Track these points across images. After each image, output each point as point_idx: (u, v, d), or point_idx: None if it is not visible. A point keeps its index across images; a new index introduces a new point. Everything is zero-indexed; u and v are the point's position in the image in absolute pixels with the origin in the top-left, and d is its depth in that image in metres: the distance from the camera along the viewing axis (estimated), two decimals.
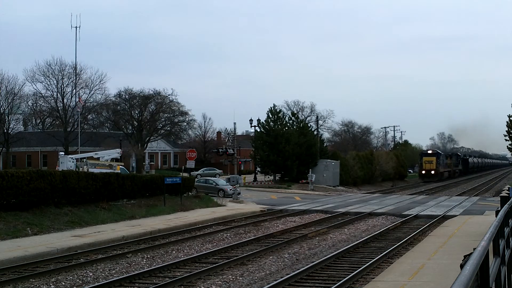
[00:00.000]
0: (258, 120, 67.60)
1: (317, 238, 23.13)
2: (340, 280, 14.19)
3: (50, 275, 15.25)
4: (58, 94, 68.36)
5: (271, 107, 66.67)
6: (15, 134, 67.44)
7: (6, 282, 14.37)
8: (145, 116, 76.62)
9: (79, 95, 65.19)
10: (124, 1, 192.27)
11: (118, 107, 76.36)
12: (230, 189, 42.84)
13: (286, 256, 18.83)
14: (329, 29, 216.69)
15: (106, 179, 29.18)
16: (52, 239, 20.39)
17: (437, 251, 17.86)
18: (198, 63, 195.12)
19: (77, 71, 68.30)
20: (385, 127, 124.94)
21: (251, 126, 70.93)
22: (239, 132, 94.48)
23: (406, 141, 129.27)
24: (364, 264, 16.30)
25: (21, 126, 76.33)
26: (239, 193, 42.36)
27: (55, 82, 68.12)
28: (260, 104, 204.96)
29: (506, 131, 61.52)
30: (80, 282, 14.77)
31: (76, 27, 67.39)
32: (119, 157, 51.20)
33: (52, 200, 25.02)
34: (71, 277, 15.14)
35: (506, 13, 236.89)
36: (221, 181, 47.30)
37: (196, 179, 45.18)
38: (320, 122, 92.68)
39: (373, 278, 14.58)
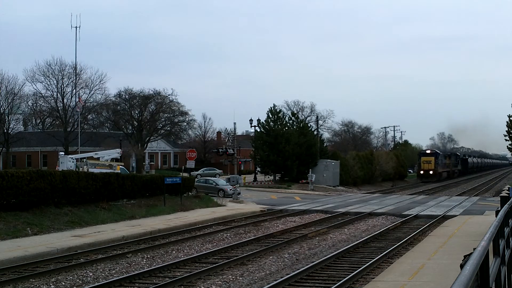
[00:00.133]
0: (258, 120, 67.67)
1: (317, 238, 23.13)
2: (340, 280, 14.19)
3: (50, 275, 15.25)
4: (58, 94, 68.45)
5: (271, 107, 66.74)
6: (15, 134, 67.45)
7: (6, 282, 14.37)
8: (145, 116, 76.64)
9: (79, 95, 65.24)
10: (124, 1, 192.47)
11: (118, 107, 76.37)
12: (230, 189, 42.85)
13: (286, 256, 18.83)
14: (329, 29, 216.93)
15: (106, 179, 29.18)
16: (52, 239, 20.39)
17: (437, 251, 17.86)
18: (198, 63, 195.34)
19: (77, 71, 68.39)
20: (385, 127, 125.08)
21: (251, 126, 71.00)
22: (239, 132, 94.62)
23: (406, 141, 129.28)
24: (364, 264, 16.30)
25: (21, 126, 76.35)
26: (239, 193, 42.37)
27: (55, 82, 68.25)
28: (260, 104, 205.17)
29: (506, 131, 61.53)
30: (80, 282, 14.77)
31: (76, 27, 67.44)
32: (119, 157, 51.20)
33: (52, 200, 25.02)
34: (71, 277, 15.15)
35: (506, 13, 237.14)
36: (221, 181, 47.31)
37: (196, 179, 45.19)
38: (320, 122, 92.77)
39: (373, 278, 14.58)
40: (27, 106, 73.57)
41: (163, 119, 78.90)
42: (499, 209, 13.15)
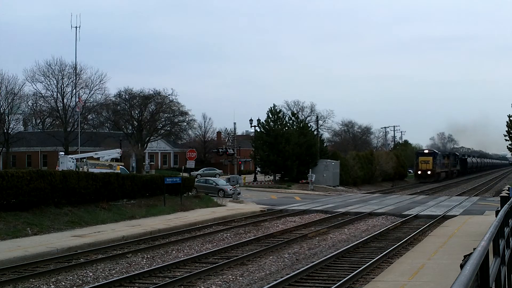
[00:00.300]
0: (258, 120, 67.68)
1: (317, 238, 23.13)
2: (340, 280, 14.19)
3: (50, 275, 15.25)
4: (58, 94, 68.44)
5: (271, 107, 66.74)
6: (15, 134, 67.45)
7: (6, 282, 14.37)
8: (145, 116, 76.65)
9: (79, 95, 65.23)
10: (124, 1, 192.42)
11: (118, 107, 76.39)
12: (230, 189, 42.85)
13: (286, 256, 18.83)
14: (329, 29, 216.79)
15: (106, 179, 29.18)
16: (52, 239, 20.40)
17: (437, 251, 17.86)
18: (198, 63, 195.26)
19: (77, 71, 68.37)
20: (385, 127, 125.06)
21: (251, 126, 71.01)
22: (239, 132, 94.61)
23: (406, 141, 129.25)
24: (364, 264, 16.30)
25: (21, 126, 76.35)
26: (239, 193, 42.38)
27: (55, 82, 68.24)
28: (260, 104, 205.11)
29: (506, 131, 61.52)
30: (80, 282, 14.77)
31: (76, 27, 67.38)
32: (119, 157, 51.19)
33: (52, 200, 25.02)
34: (71, 277, 15.15)
35: (506, 13, 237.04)
36: (221, 181, 47.32)
37: (196, 179, 45.19)
38: (320, 122, 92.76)
39: (373, 278, 14.58)
40: (27, 106, 73.62)
41: (163, 119, 78.92)
42: (499, 209, 13.15)
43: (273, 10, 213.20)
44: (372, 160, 76.40)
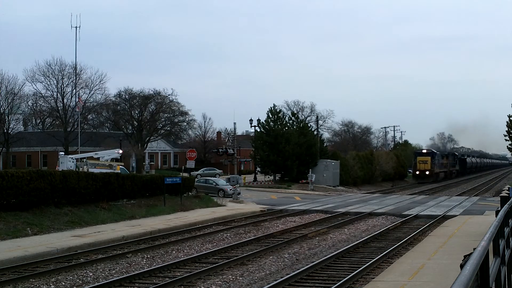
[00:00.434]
0: (258, 120, 67.68)
1: (317, 238, 23.13)
2: (340, 280, 14.19)
3: (50, 275, 15.26)
4: (58, 94, 68.42)
5: (271, 107, 66.74)
6: (15, 134, 67.45)
7: (6, 282, 14.37)
8: (145, 116, 76.64)
9: (79, 95, 65.22)
10: (124, 1, 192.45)
11: (118, 107, 76.37)
12: (230, 189, 42.86)
13: (286, 256, 18.83)
14: (329, 29, 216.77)
15: (106, 179, 29.18)
16: (52, 239, 20.40)
17: (437, 251, 17.86)
18: (198, 63, 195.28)
19: (77, 71, 68.35)
20: (385, 127, 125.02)
21: (251, 126, 71.01)
22: (239, 132, 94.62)
23: (406, 141, 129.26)
24: (364, 264, 16.30)
25: (21, 126, 76.34)
26: (239, 193, 42.38)
27: (55, 82, 68.21)
28: (260, 104, 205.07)
29: (506, 131, 61.52)
30: (80, 282, 14.77)
31: (76, 27, 67.36)
32: (119, 157, 51.17)
33: (52, 200, 25.02)
34: (71, 277, 15.15)
35: (506, 13, 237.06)
36: (221, 181, 47.32)
37: (196, 179, 45.20)
38: (320, 122, 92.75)
39: (373, 278, 14.59)
40: (27, 106, 73.61)
41: (163, 119, 78.91)
42: (499, 209, 13.15)
43: (273, 10, 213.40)
44: (372, 160, 76.40)
